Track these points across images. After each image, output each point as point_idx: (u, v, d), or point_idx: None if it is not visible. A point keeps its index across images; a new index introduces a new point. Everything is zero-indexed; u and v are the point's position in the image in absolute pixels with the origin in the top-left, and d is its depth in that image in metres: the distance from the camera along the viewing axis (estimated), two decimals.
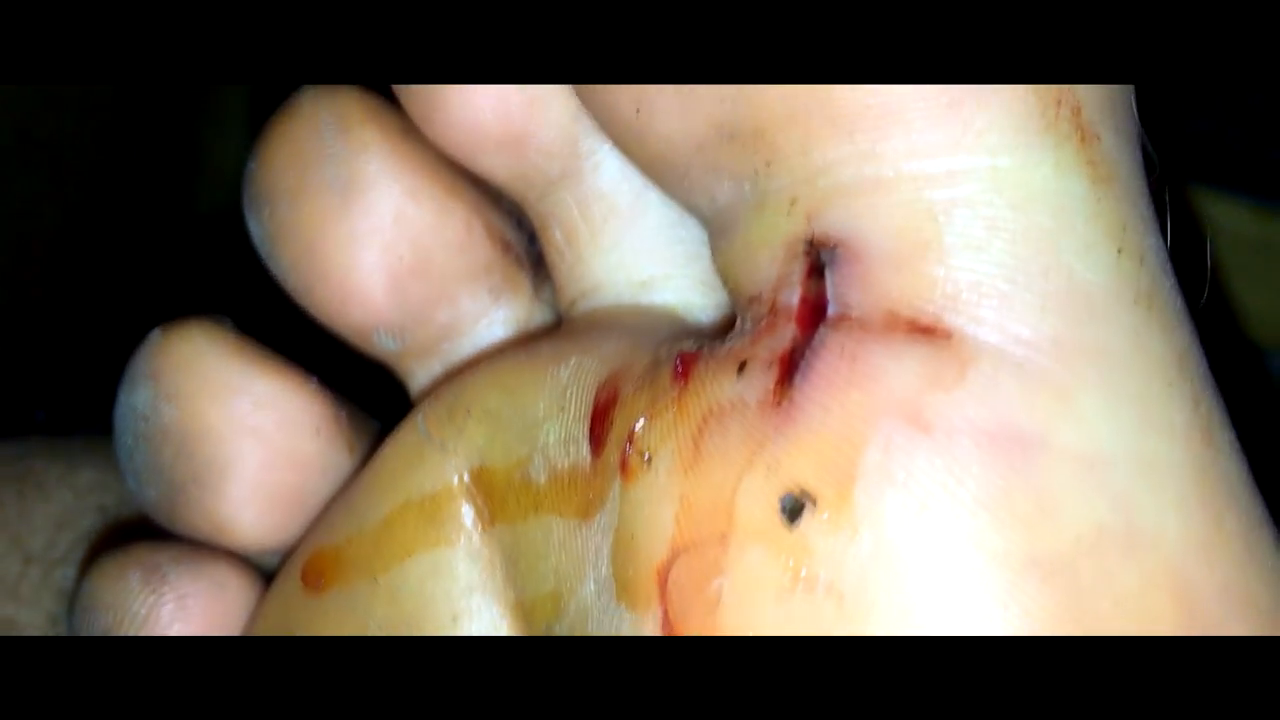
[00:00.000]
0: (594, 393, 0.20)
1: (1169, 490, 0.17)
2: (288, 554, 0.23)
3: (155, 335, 0.23)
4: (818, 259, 0.18)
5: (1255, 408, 0.19)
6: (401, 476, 0.21)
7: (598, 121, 0.20)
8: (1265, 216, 0.36)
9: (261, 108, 0.24)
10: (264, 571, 0.24)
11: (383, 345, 0.23)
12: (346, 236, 0.22)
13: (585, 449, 0.19)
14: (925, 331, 0.17)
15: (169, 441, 0.23)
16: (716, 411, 0.17)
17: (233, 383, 0.23)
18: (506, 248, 0.23)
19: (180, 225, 0.43)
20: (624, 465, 0.18)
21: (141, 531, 0.24)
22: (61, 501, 0.29)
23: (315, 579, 0.22)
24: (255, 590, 0.23)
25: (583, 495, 0.19)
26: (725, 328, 0.19)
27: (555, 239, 0.22)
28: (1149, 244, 0.17)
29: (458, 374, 0.22)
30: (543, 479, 0.20)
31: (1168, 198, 0.19)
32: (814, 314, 0.17)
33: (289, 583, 0.22)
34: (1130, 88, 0.18)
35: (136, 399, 0.23)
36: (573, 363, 0.20)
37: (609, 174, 0.22)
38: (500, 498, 0.20)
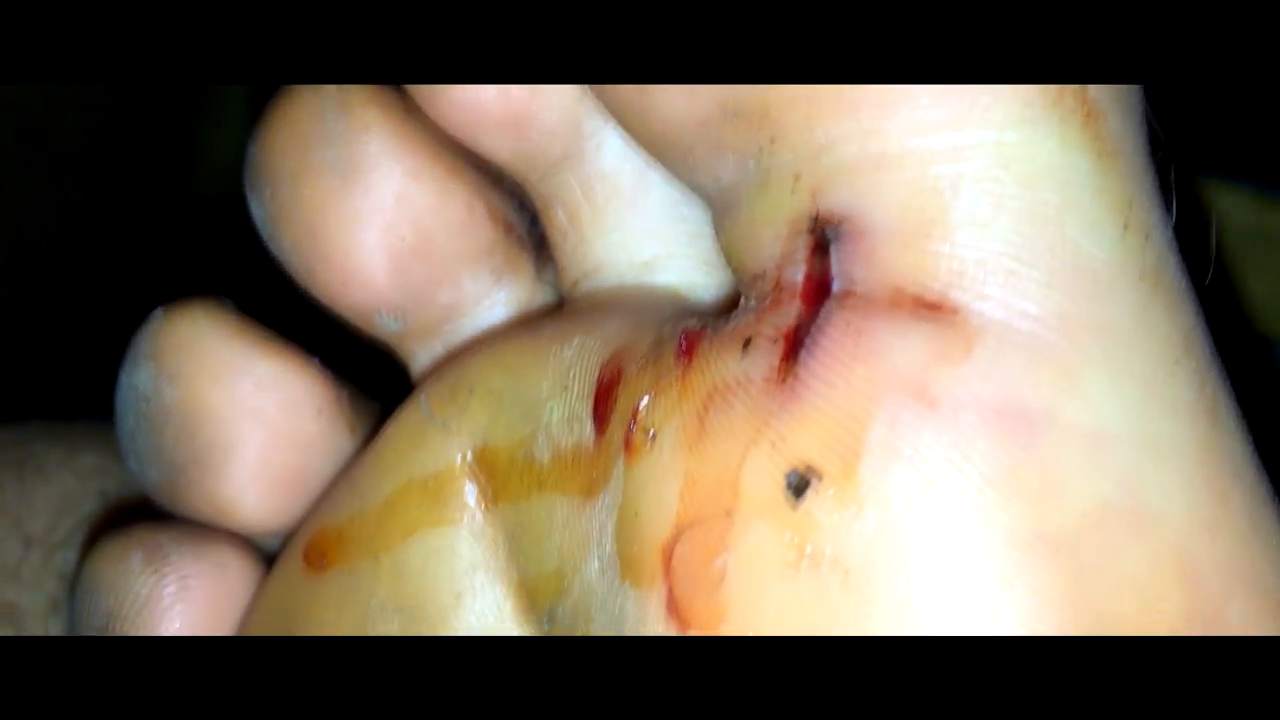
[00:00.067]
0: (597, 371, 0.19)
1: (1174, 468, 0.16)
2: (289, 535, 0.23)
3: (157, 316, 0.23)
4: (822, 236, 0.17)
5: (1259, 395, 0.19)
6: (404, 456, 0.21)
7: (601, 101, 0.20)
8: (1266, 205, 0.36)
9: (261, 90, 0.23)
10: (266, 553, 0.24)
11: (384, 326, 0.23)
12: (348, 217, 0.22)
13: (589, 427, 0.19)
14: (931, 308, 0.17)
15: (171, 422, 0.23)
16: (721, 388, 0.17)
17: (235, 363, 0.22)
18: (508, 229, 0.23)
19: (179, 208, 0.43)
20: (628, 443, 0.18)
21: (143, 515, 0.24)
22: (62, 485, 0.29)
23: (318, 559, 0.22)
24: (257, 571, 0.23)
25: (586, 474, 0.19)
26: (728, 307, 0.19)
27: (558, 220, 0.22)
28: (1154, 221, 0.17)
29: (460, 354, 0.22)
30: (546, 458, 0.20)
31: (1173, 176, 0.19)
32: (819, 291, 0.17)
33: (291, 563, 0.22)
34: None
35: (138, 380, 0.23)
36: (576, 342, 0.20)
37: (611, 154, 0.22)
38: (503, 477, 0.20)
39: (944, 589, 0.16)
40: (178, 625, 0.23)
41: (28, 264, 0.42)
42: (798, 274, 0.18)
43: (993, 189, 0.17)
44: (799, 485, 0.16)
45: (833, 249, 0.17)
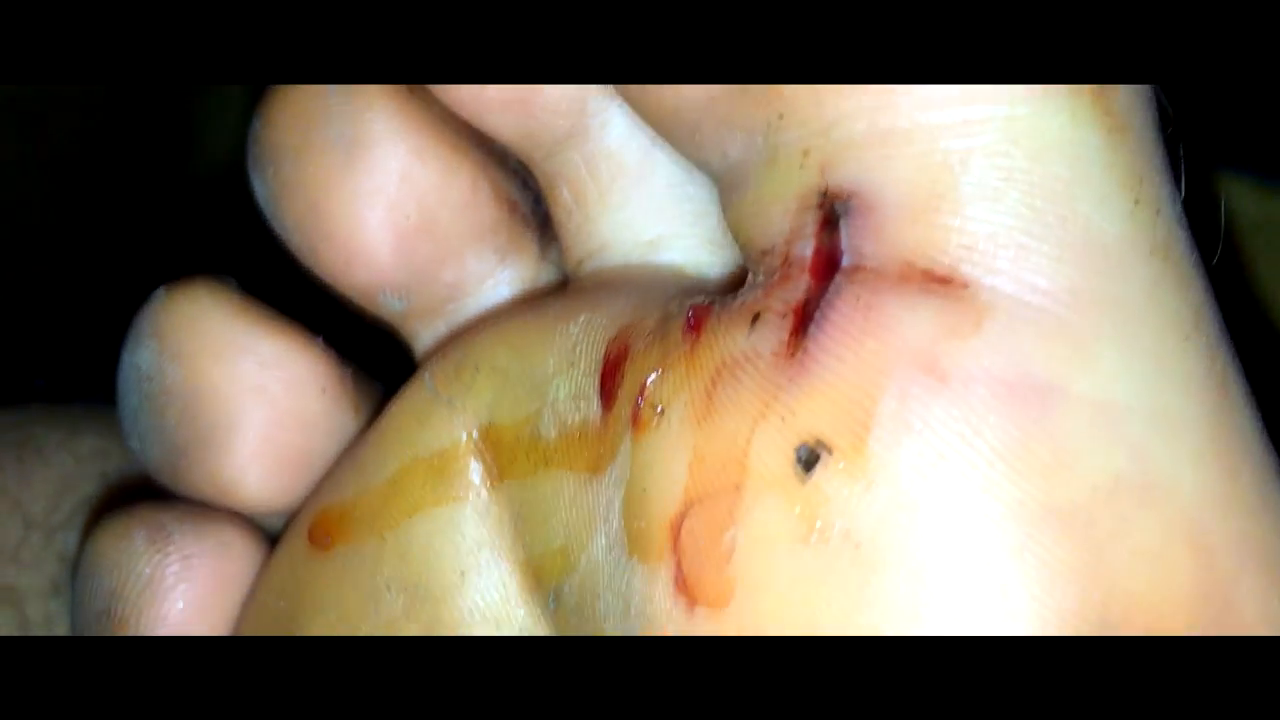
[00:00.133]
0: (604, 348, 0.19)
1: (1185, 442, 0.16)
2: (293, 515, 0.23)
3: (160, 295, 0.23)
4: (831, 211, 0.17)
5: (1267, 383, 0.19)
6: (409, 434, 0.21)
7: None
8: (1266, 195, 0.36)
9: None
10: (269, 534, 0.24)
11: (388, 306, 0.23)
12: (351, 195, 0.22)
13: (596, 404, 0.19)
14: (941, 282, 0.16)
15: (173, 402, 0.22)
16: (729, 363, 0.17)
17: (238, 342, 0.22)
18: (513, 208, 0.23)
19: (177, 189, 0.43)
20: (635, 419, 0.18)
21: (144, 497, 0.24)
22: (62, 467, 0.29)
23: (322, 538, 0.22)
24: (260, 551, 0.23)
25: (593, 450, 0.19)
26: (735, 285, 0.19)
27: (562, 198, 0.22)
28: (1165, 196, 0.17)
29: (465, 332, 0.22)
30: (552, 434, 0.20)
31: (1181, 153, 0.19)
32: (828, 266, 0.17)
33: (295, 542, 0.22)
34: None
35: (140, 359, 0.23)
36: (582, 319, 0.20)
37: (617, 132, 0.22)
38: (509, 454, 0.20)
39: (955, 562, 0.16)
40: (180, 605, 0.22)
41: (27, 247, 0.41)
42: (806, 249, 0.17)
43: (1002, 163, 0.17)
44: (809, 459, 0.16)
45: (842, 224, 0.17)
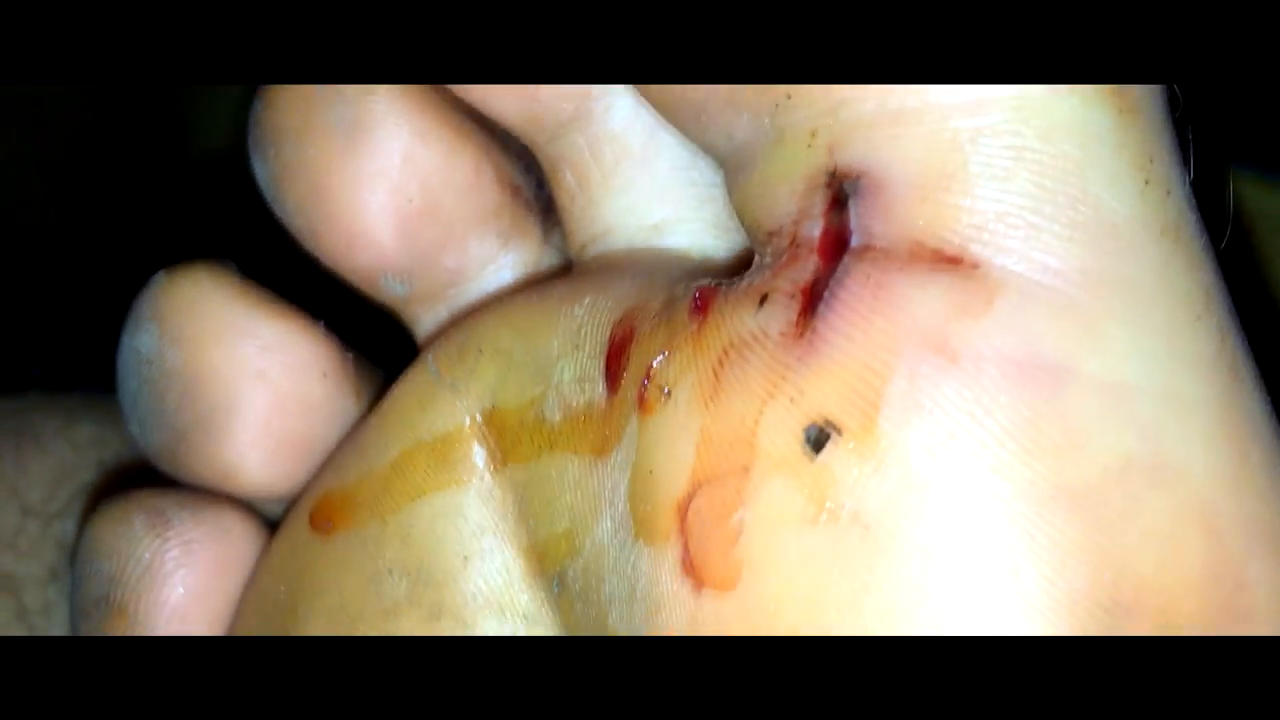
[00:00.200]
0: (609, 330, 0.19)
1: (1196, 423, 0.16)
2: (294, 500, 0.23)
3: (159, 278, 0.23)
4: (840, 191, 0.17)
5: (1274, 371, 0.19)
6: (412, 417, 0.21)
7: None
8: (1267, 188, 0.36)
9: None
10: (269, 520, 0.24)
11: (389, 290, 0.23)
12: (353, 178, 0.22)
13: (601, 386, 0.19)
14: (951, 261, 0.16)
15: (174, 385, 0.22)
16: (737, 344, 0.17)
17: (239, 325, 0.22)
18: (515, 191, 0.23)
19: (172, 175, 0.42)
20: (642, 400, 0.18)
21: (142, 485, 0.24)
22: (59, 455, 0.29)
23: (324, 522, 0.21)
24: (261, 537, 0.23)
25: (598, 432, 0.19)
26: (741, 268, 0.19)
27: (566, 182, 0.22)
28: (1175, 177, 0.17)
29: (468, 315, 0.22)
30: (557, 417, 0.20)
31: (1190, 135, 0.19)
32: (837, 246, 0.17)
33: (296, 527, 0.22)
34: None
35: (140, 342, 0.23)
36: (587, 301, 0.20)
37: (621, 115, 0.21)
38: (513, 437, 0.20)
39: (965, 543, 0.16)
40: (180, 591, 0.22)
41: (23, 238, 0.41)
42: (815, 229, 0.17)
43: (1013, 142, 0.16)
44: (817, 440, 0.16)
45: (850, 204, 0.17)
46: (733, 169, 0.19)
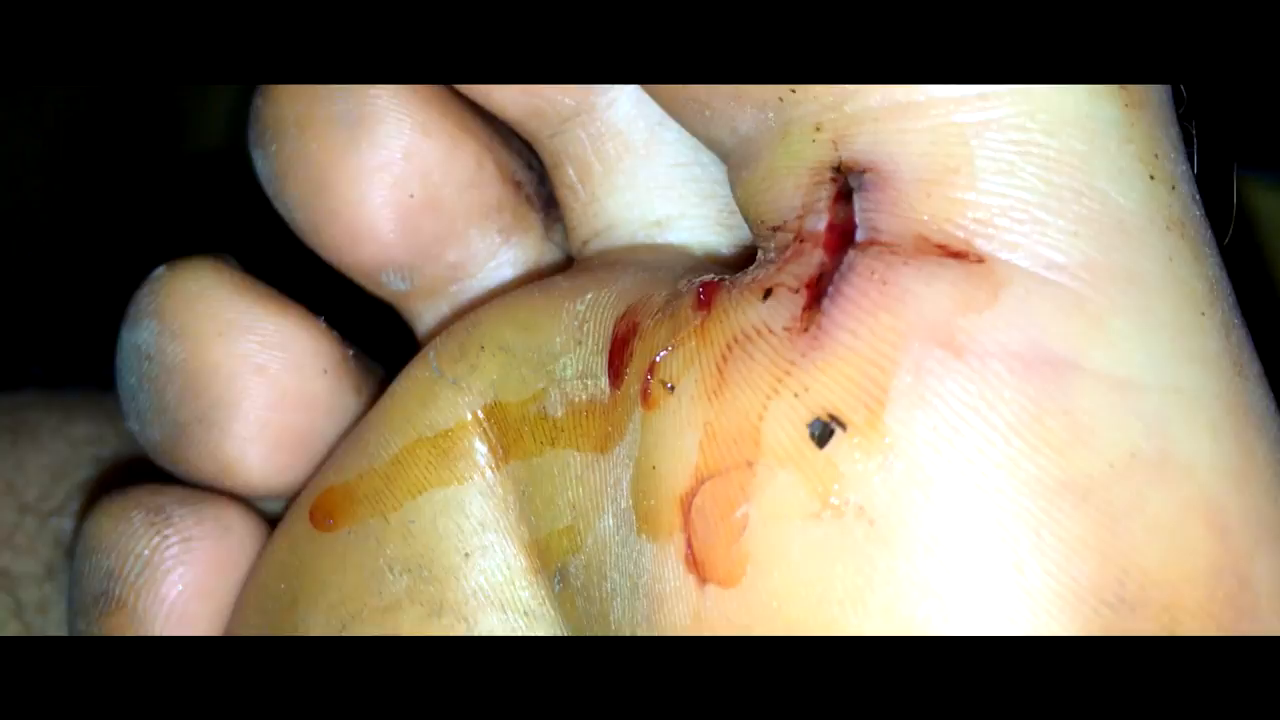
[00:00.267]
0: (612, 325, 0.19)
1: (1202, 417, 0.16)
2: (293, 497, 0.23)
3: (160, 272, 0.23)
4: (845, 184, 0.17)
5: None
6: (413, 414, 0.21)
7: None
8: (1268, 190, 0.36)
9: None
10: (269, 517, 0.23)
11: (390, 285, 0.23)
12: (355, 172, 0.22)
13: (604, 382, 0.19)
14: (956, 256, 0.16)
15: (174, 380, 0.22)
16: (741, 338, 0.17)
17: (240, 321, 0.22)
18: (517, 186, 0.23)
19: (168, 173, 0.42)
20: (645, 395, 0.18)
21: (140, 482, 0.24)
22: (57, 452, 0.29)
23: (324, 519, 0.21)
24: (260, 534, 0.23)
25: (601, 428, 0.19)
26: (744, 264, 0.19)
27: (568, 177, 0.22)
28: (1180, 172, 0.17)
29: (470, 311, 0.22)
30: (560, 413, 0.19)
31: (1194, 130, 0.19)
32: (842, 239, 0.17)
33: (297, 523, 0.22)
34: None
35: (140, 337, 0.22)
36: (589, 297, 0.20)
37: (623, 110, 0.21)
38: (515, 433, 0.20)
39: (969, 537, 0.16)
40: (180, 587, 0.22)
41: (22, 236, 0.41)
42: (819, 223, 0.17)
43: (1019, 136, 0.16)
44: (822, 434, 0.16)
45: (855, 197, 0.17)
46: (736, 163, 0.19)
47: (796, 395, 0.16)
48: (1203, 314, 0.17)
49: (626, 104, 0.21)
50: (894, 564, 0.16)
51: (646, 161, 0.22)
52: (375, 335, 0.24)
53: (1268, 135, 0.34)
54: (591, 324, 0.19)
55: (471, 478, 0.20)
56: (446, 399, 0.21)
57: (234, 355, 0.22)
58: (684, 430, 0.17)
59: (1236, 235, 0.20)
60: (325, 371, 0.23)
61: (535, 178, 0.23)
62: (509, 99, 0.21)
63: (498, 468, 0.20)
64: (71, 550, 0.24)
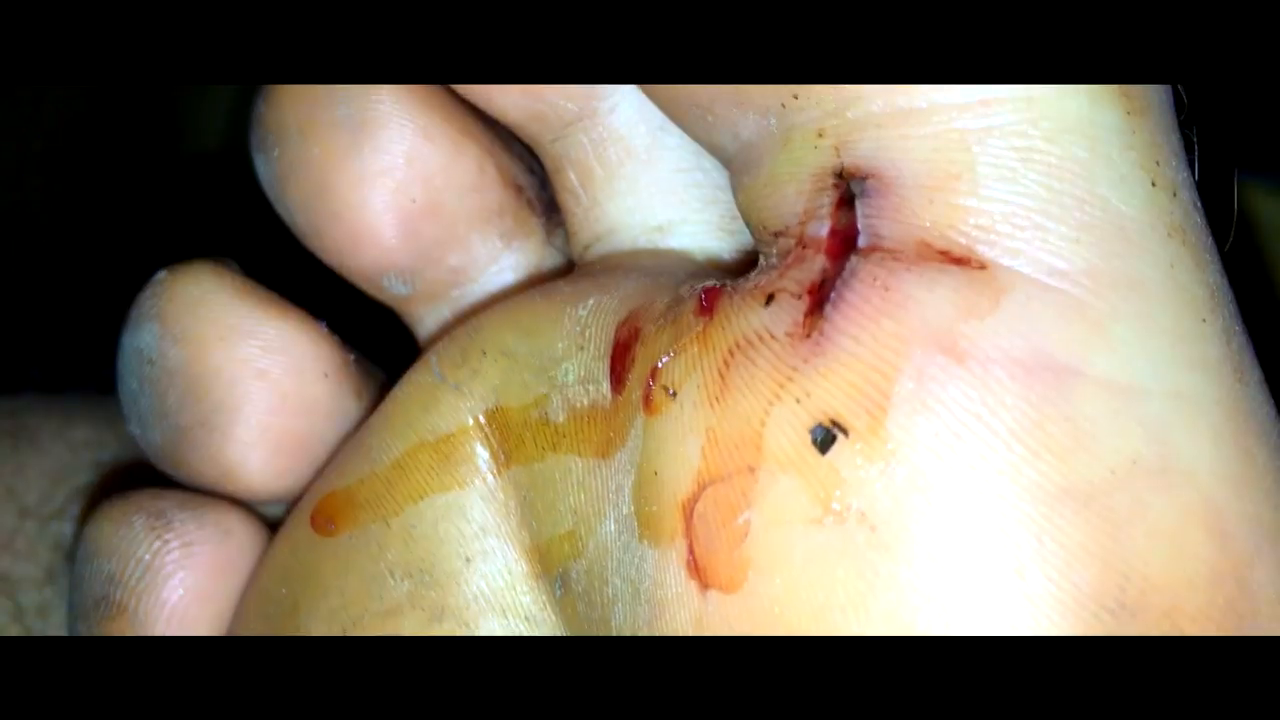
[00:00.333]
0: (614, 331, 0.19)
1: (1203, 423, 0.16)
2: (294, 501, 0.23)
3: (161, 276, 0.23)
4: (847, 190, 0.17)
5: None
6: (414, 418, 0.21)
7: None
8: (1269, 195, 0.36)
9: None
10: (270, 522, 0.23)
11: (392, 290, 0.23)
12: (357, 176, 0.22)
13: (606, 387, 0.19)
14: (958, 262, 0.16)
15: (175, 384, 0.22)
16: (743, 344, 0.17)
17: (242, 325, 0.22)
18: (519, 191, 0.23)
19: (166, 176, 0.42)
20: (647, 401, 0.18)
21: (140, 486, 0.24)
22: (56, 456, 0.29)
23: (325, 523, 0.21)
24: (261, 539, 0.23)
25: (603, 433, 0.19)
26: (745, 270, 0.19)
27: (569, 182, 0.22)
28: (1181, 178, 0.17)
29: (472, 315, 0.22)
30: (561, 418, 0.19)
31: (1195, 136, 0.19)
32: (844, 245, 0.17)
33: (298, 528, 0.22)
34: None
35: (141, 341, 0.22)
36: (591, 302, 0.20)
37: (625, 115, 0.21)
38: (516, 438, 0.20)
39: (971, 543, 0.16)
40: (180, 592, 0.22)
41: (21, 239, 0.41)
42: (822, 229, 0.17)
43: (1020, 143, 0.16)
44: (824, 440, 0.16)
45: (858, 203, 0.17)
46: (738, 169, 0.19)
47: (798, 401, 0.16)
48: (1204, 320, 0.17)
49: (628, 109, 0.21)
50: (896, 570, 0.16)
51: (648, 166, 0.22)
52: (376, 340, 0.24)
53: (1268, 139, 0.34)
54: (593, 329, 0.20)
55: (473, 483, 0.20)
56: (448, 404, 0.21)
57: (235, 360, 0.22)
58: (686, 436, 0.17)
59: (1237, 240, 0.20)
60: (326, 376, 0.23)
61: (537, 182, 0.23)
62: (511, 103, 0.21)
63: (499, 473, 0.20)
64: (72, 554, 0.24)
